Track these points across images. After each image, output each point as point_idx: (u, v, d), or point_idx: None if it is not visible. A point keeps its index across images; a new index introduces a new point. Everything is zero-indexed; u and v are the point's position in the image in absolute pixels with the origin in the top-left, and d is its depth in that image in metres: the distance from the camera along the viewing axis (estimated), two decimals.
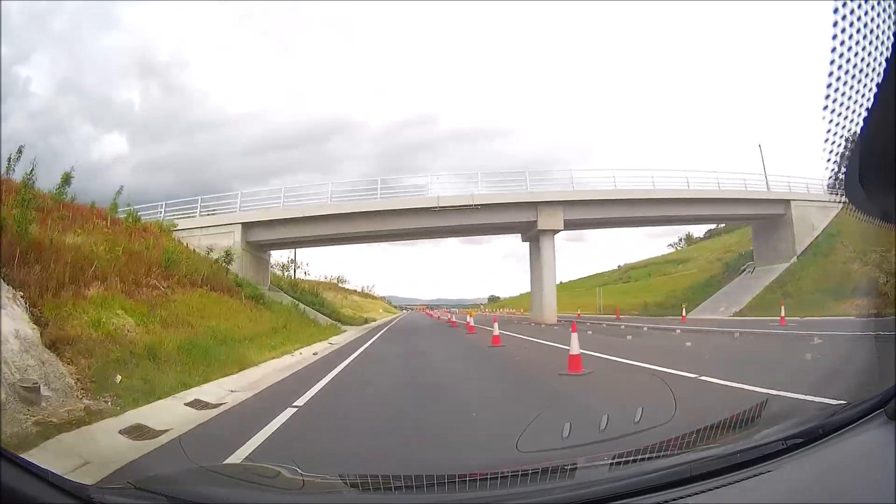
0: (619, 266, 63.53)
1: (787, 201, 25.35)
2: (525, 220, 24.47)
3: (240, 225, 22.11)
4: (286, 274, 35.76)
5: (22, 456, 1.24)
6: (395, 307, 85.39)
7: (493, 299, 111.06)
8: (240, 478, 1.93)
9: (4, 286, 5.29)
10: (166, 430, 4.00)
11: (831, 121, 0.99)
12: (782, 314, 15.63)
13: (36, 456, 2.79)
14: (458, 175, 27.71)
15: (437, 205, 23.32)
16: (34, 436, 3.29)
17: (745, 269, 27.62)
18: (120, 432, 3.80)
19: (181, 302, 9.83)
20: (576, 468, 1.49)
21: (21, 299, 5.44)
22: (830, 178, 1.07)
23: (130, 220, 14.32)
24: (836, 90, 0.96)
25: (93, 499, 1.25)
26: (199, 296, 11.32)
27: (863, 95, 0.94)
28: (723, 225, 53.50)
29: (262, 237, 22.77)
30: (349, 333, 19.58)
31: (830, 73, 0.94)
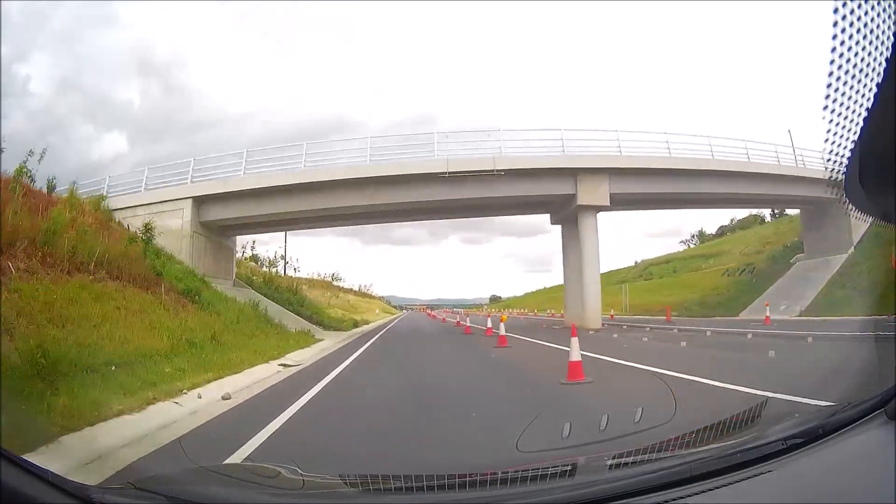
0: (636, 262, 59.56)
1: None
2: (560, 193, 19.12)
3: (190, 200, 17.05)
4: (273, 270, 31.95)
5: (22, 456, 1.24)
6: (395, 307, 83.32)
7: (495, 299, 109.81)
8: (240, 478, 1.93)
9: None
10: None
11: (831, 121, 0.99)
12: None
13: None
14: (476, 133, 21.90)
15: (446, 170, 17.38)
16: None
17: (794, 262, 24.55)
18: None
19: (33, 294, 6.43)
20: (576, 468, 1.49)
21: None
22: (830, 177, 1.07)
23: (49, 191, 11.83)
24: (836, 90, 0.96)
25: (93, 499, 1.25)
26: (78, 286, 7.64)
27: (863, 95, 0.94)
28: (741, 217, 50.56)
29: (219, 215, 17.80)
30: (325, 344, 13.75)
31: (830, 73, 0.95)
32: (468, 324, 20.55)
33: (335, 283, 48.44)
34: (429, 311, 73.33)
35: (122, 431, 3.91)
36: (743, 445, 1.45)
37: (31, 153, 10.95)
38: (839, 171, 1.05)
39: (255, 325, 12.90)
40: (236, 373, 7.24)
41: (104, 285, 8.51)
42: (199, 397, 5.44)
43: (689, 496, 1.21)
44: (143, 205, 16.89)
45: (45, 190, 11.93)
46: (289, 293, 23.14)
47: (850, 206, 1.11)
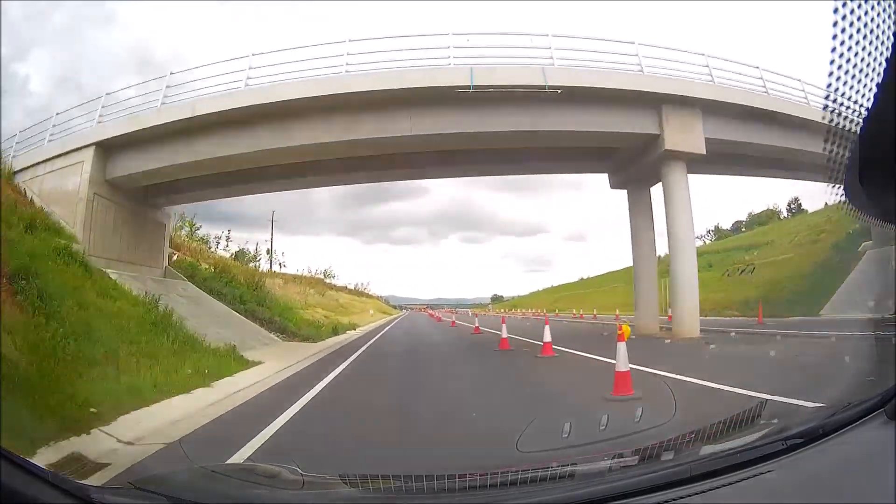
0: (659, 258, 55.06)
1: None
2: (636, 132, 12.52)
3: (91, 149, 11.81)
4: (253, 264, 27.72)
5: (22, 457, 1.24)
6: (395, 307, 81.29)
7: (497, 299, 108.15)
8: (240, 478, 1.93)
9: None
10: None
11: (831, 121, 0.99)
12: None
13: None
14: (515, 37, 13.46)
15: (469, 83, 10.83)
16: None
17: (862, 251, 21.13)
18: None
19: None
20: (576, 468, 1.49)
21: None
22: (830, 178, 1.07)
23: None
24: (836, 90, 0.96)
25: (93, 499, 1.25)
26: None
27: (863, 95, 0.94)
28: (756, 212, 47.34)
29: (133, 168, 12.08)
30: (255, 374, 7.60)
31: (830, 73, 0.95)
32: (504, 334, 11.35)
33: (327, 280, 42.45)
34: (430, 311, 69.36)
35: None
36: (743, 445, 1.45)
37: None
38: (839, 171, 1.05)
39: (136, 339, 7.02)
40: None
41: None
42: None
43: (689, 496, 1.21)
44: (43, 161, 12.39)
45: None
46: (246, 289, 16.78)
47: (851, 206, 1.11)
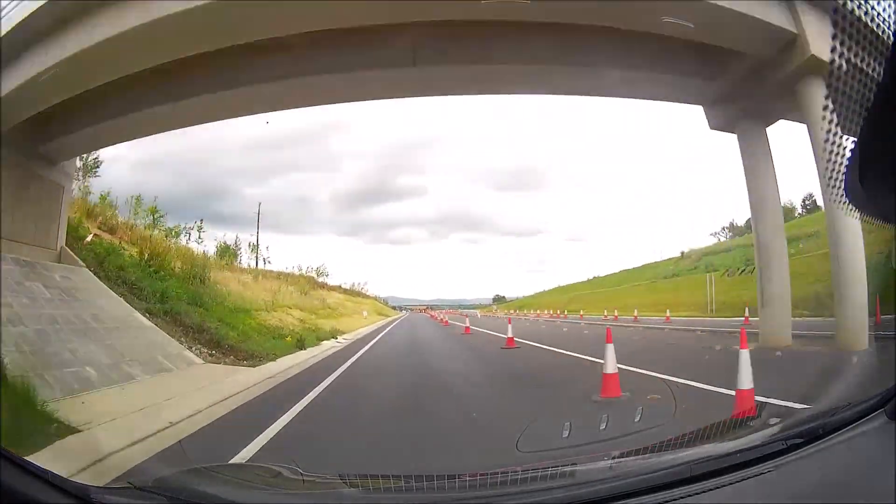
0: (681, 253, 46.56)
1: None
2: (768, 23, 7.76)
3: None
4: (245, 261, 24.73)
5: (22, 457, 1.24)
6: (394, 308, 79.53)
7: (499, 299, 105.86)
8: (240, 478, 1.94)
9: None
10: None
11: (831, 121, 0.99)
12: None
13: None
14: None
15: None
16: None
17: None
18: None
19: None
20: (576, 468, 1.49)
21: None
22: (830, 178, 1.07)
23: None
24: (836, 90, 0.96)
25: (93, 499, 1.25)
26: None
27: (863, 95, 0.94)
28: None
29: None
30: None
31: (830, 73, 0.95)
32: (611, 368, 5.42)
33: (320, 278, 37.75)
34: (431, 311, 64.09)
35: None
36: (743, 445, 1.45)
37: None
38: (839, 171, 1.05)
39: None
40: None
41: None
42: None
43: (689, 496, 1.21)
44: None
45: None
46: (179, 282, 12.48)
47: (851, 206, 1.11)
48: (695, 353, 9.95)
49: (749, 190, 10.82)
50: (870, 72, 0.93)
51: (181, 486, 1.56)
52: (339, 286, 42.62)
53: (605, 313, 26.73)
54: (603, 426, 1.95)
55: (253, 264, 29.26)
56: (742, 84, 9.47)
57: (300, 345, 11.71)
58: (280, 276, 27.05)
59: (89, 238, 11.91)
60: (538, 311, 44.32)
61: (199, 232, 24.41)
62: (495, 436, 3.58)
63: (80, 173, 17.62)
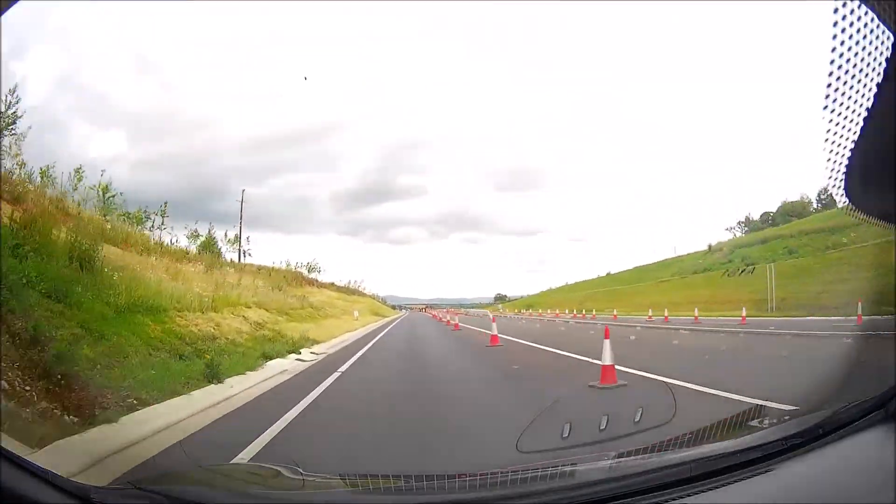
0: (709, 246, 43.28)
1: None
2: None
3: None
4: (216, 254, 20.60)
5: (22, 457, 1.24)
6: (393, 307, 78.71)
7: (501, 298, 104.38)
8: (240, 478, 1.94)
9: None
10: None
11: (831, 121, 0.99)
12: None
13: None
14: None
15: None
16: None
17: None
18: None
19: None
20: (576, 468, 1.49)
21: None
22: (831, 178, 1.07)
23: None
24: (836, 90, 0.96)
25: (93, 499, 1.25)
26: None
27: (863, 95, 0.95)
28: (785, 203, 41.05)
29: None
30: None
31: (830, 73, 0.95)
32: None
33: (311, 274, 33.10)
34: (433, 311, 57.01)
35: None
36: (743, 445, 1.45)
37: None
38: (839, 171, 1.05)
39: None
40: None
41: None
42: None
43: (689, 496, 1.21)
44: None
45: None
46: (36, 264, 6.62)
47: (851, 205, 1.11)
48: None
49: None
50: (870, 71, 0.93)
51: (181, 486, 1.56)
52: (332, 284, 37.68)
53: (650, 314, 22.34)
54: (603, 426, 1.94)
55: (253, 261, 26.33)
56: None
57: (212, 373, 6.07)
58: (261, 270, 23.85)
59: None
60: (556, 311, 38.43)
61: (163, 216, 19.53)
62: None
63: None
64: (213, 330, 9.33)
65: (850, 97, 0.96)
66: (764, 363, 8.05)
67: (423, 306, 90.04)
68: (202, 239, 23.43)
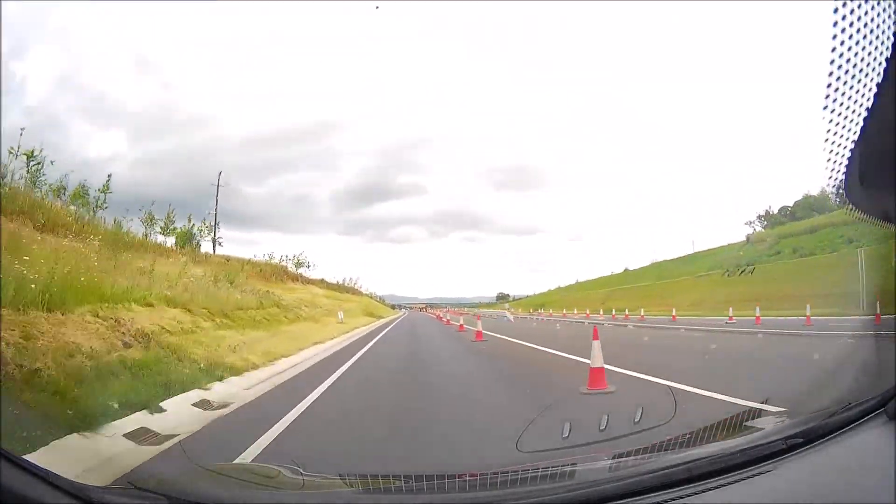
0: (747, 238, 40.33)
1: None
2: None
3: None
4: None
5: (23, 457, 1.24)
6: (393, 307, 77.22)
7: (503, 297, 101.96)
8: (240, 478, 1.94)
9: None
10: None
11: (831, 121, 0.99)
12: None
13: None
14: None
15: None
16: None
17: None
18: None
19: None
20: (576, 468, 1.49)
21: None
22: (831, 177, 1.07)
23: None
24: (836, 90, 0.96)
25: (93, 499, 1.25)
26: None
27: (863, 95, 0.95)
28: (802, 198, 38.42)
29: None
30: None
31: (830, 73, 0.95)
32: None
33: (299, 269, 30.02)
34: (436, 311, 51.40)
35: None
36: (743, 445, 1.45)
37: None
38: (839, 171, 1.05)
39: None
40: None
41: None
42: None
43: (689, 496, 1.21)
44: None
45: None
46: None
47: (851, 205, 1.11)
48: None
49: None
50: (870, 71, 0.93)
51: (181, 486, 1.56)
52: (322, 280, 34.39)
53: (731, 314, 17.32)
54: (603, 426, 1.94)
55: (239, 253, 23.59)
56: None
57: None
58: (228, 260, 21.06)
59: None
60: (587, 311, 32.58)
61: (105, 193, 16.15)
62: None
63: None
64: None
65: (850, 97, 0.96)
66: None
67: (423, 306, 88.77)
68: (177, 230, 21.11)
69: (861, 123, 0.97)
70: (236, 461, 3.17)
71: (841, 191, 1.09)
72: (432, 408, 4.85)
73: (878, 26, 0.91)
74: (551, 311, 41.57)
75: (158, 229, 19.96)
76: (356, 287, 45.14)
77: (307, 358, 9.25)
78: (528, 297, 78.86)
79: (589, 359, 5.52)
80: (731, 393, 4.52)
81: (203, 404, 4.81)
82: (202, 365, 6.25)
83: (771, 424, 1.78)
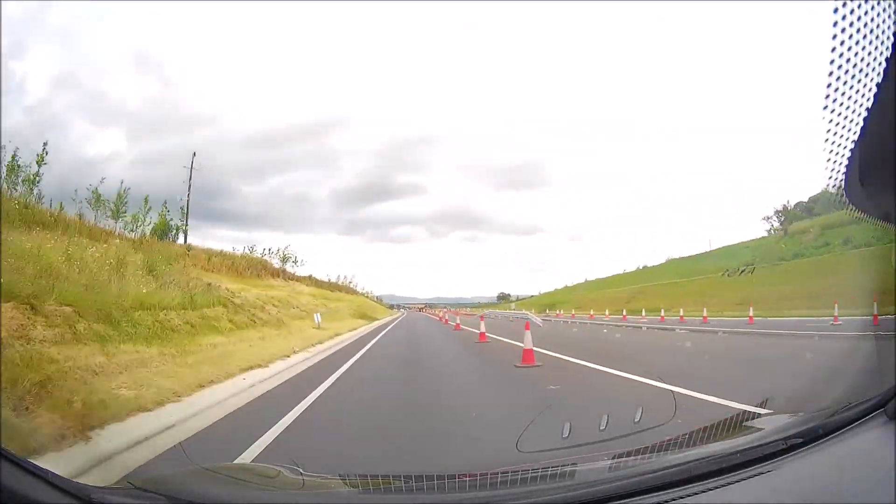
0: (784, 231, 38.95)
1: None
2: None
3: None
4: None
5: (22, 457, 1.24)
6: (392, 307, 75.45)
7: (504, 297, 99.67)
8: (240, 478, 1.93)
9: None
10: None
11: (831, 121, 0.99)
12: None
13: None
14: None
15: None
16: None
17: None
18: None
19: None
20: (576, 468, 1.49)
21: None
22: (831, 178, 1.07)
23: None
24: (836, 90, 0.96)
25: (93, 499, 1.24)
26: None
27: (863, 95, 0.95)
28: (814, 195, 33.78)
29: None
30: None
31: (830, 73, 0.95)
32: None
33: (286, 264, 27.70)
34: (439, 312, 44.77)
35: None
36: (743, 445, 1.45)
37: None
38: (839, 171, 1.05)
39: None
40: None
41: None
42: None
43: (689, 496, 1.21)
44: None
45: None
46: None
47: (851, 206, 1.11)
48: None
49: None
50: (870, 71, 0.93)
51: (181, 486, 1.56)
52: (310, 277, 31.22)
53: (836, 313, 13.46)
54: (603, 426, 1.94)
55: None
56: None
57: None
58: (191, 249, 18.69)
59: None
60: (606, 312, 29.01)
61: (41, 164, 14.32)
62: None
63: None
64: None
65: (850, 97, 0.96)
66: None
67: (422, 306, 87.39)
68: (137, 216, 17.54)
69: (861, 123, 0.97)
70: (236, 461, 2.90)
71: (841, 191, 1.09)
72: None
73: (878, 26, 0.91)
74: (573, 312, 35.11)
75: (109, 213, 17.12)
76: (351, 286, 42.27)
77: (172, 424, 3.99)
78: (531, 296, 75.29)
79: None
80: None
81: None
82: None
83: (771, 424, 1.77)
